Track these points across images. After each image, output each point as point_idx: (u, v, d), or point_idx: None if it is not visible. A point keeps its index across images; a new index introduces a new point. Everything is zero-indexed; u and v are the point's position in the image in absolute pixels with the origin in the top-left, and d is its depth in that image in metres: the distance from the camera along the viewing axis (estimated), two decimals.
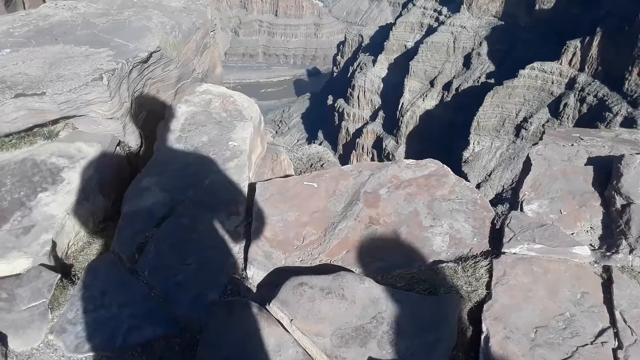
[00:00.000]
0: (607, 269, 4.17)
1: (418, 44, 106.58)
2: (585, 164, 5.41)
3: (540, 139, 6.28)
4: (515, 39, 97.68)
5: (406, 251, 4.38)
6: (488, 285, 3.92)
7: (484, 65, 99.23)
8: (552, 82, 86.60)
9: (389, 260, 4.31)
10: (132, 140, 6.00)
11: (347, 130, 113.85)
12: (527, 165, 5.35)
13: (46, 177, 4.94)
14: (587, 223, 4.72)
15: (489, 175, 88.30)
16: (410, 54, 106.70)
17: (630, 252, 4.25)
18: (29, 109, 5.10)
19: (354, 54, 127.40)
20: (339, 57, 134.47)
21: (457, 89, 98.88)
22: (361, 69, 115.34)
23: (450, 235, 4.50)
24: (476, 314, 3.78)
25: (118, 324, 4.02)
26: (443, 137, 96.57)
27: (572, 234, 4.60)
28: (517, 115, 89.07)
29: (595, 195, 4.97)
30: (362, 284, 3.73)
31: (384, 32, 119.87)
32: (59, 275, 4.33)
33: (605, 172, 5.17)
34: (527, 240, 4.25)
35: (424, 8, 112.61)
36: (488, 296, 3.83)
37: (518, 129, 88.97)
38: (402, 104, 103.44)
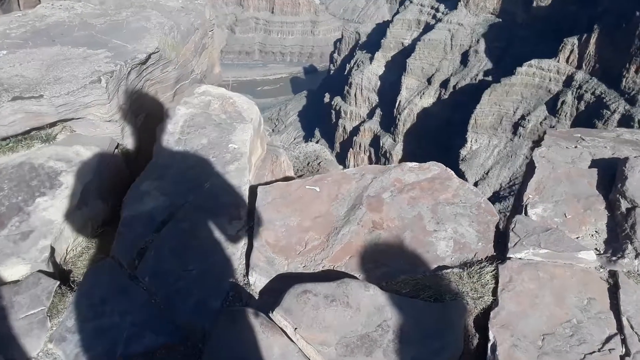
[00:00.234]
0: (613, 274, 4.13)
1: (415, 41, 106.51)
2: (589, 167, 5.37)
3: (542, 139, 6.24)
4: (513, 36, 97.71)
5: (410, 256, 4.32)
6: (494, 292, 3.87)
7: (482, 63, 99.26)
8: (550, 80, 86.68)
9: (393, 265, 4.26)
10: (131, 142, 5.93)
11: (344, 128, 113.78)
12: (530, 168, 5.30)
13: (44, 182, 4.87)
14: (592, 227, 4.68)
15: (487, 174, 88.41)
16: (407, 51, 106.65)
17: (636, 256, 4.20)
18: (26, 112, 5.02)
19: (350, 51, 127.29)
20: (335, 55, 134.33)
21: (454, 87, 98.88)
22: (358, 67, 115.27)
23: (454, 240, 4.45)
24: (482, 321, 3.74)
25: (118, 332, 3.95)
26: (440, 135, 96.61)
27: (577, 237, 4.56)
28: (514, 113, 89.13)
29: (600, 198, 4.92)
30: (366, 291, 3.67)
31: (381, 29, 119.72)
32: (58, 282, 4.27)
33: (610, 175, 5.13)
34: (533, 245, 4.20)
35: (421, 5, 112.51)
36: (494, 303, 3.78)
37: (516, 126, 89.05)
38: (400, 101, 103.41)
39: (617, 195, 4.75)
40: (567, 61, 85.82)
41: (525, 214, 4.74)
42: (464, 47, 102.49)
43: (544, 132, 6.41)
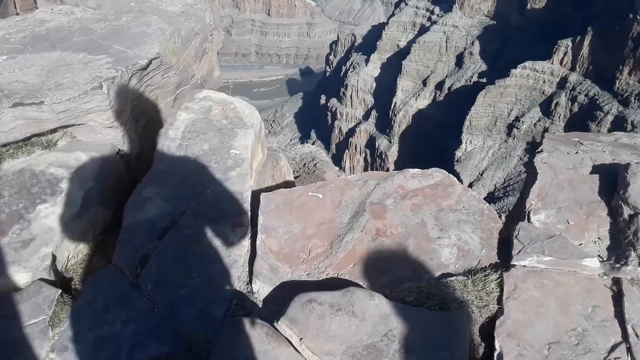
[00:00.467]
0: (616, 281, 4.14)
1: (410, 43, 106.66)
2: (591, 172, 5.38)
3: (539, 142, 6.25)
4: (507, 39, 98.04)
5: (414, 264, 4.32)
6: (499, 300, 3.87)
7: (476, 65, 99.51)
8: (544, 82, 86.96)
9: (397, 273, 4.25)
10: (132, 148, 5.90)
11: (340, 129, 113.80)
12: (532, 174, 5.30)
13: (45, 188, 4.83)
14: (595, 233, 4.68)
15: (481, 175, 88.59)
16: (402, 53, 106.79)
17: None
18: (26, 119, 4.98)
19: (346, 53, 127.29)
20: (331, 57, 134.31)
21: (449, 89, 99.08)
22: (354, 69, 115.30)
23: (458, 247, 4.44)
24: (488, 329, 3.73)
25: (121, 341, 3.92)
26: (436, 136, 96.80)
27: (580, 244, 4.56)
28: (509, 114, 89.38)
29: (602, 204, 4.93)
30: (372, 300, 3.66)
31: (376, 31, 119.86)
32: (60, 291, 4.23)
33: (611, 180, 5.14)
34: (537, 252, 4.20)
35: (417, 7, 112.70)
36: (500, 311, 3.78)
37: (510, 128, 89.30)
38: (395, 103, 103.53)
39: (620, 202, 4.76)
40: (561, 63, 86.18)
41: (528, 220, 4.74)
42: (458, 49, 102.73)
43: (542, 137, 6.42)
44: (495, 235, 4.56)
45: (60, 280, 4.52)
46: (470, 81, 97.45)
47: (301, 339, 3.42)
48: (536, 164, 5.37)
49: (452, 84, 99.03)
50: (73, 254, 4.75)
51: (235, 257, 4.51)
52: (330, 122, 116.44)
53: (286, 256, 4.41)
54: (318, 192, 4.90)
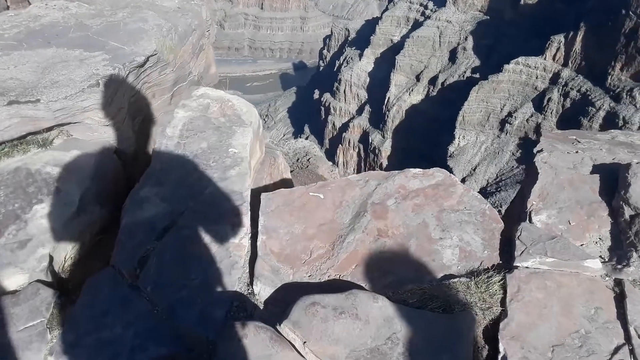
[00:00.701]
0: (618, 283, 4.14)
1: (404, 38, 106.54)
2: (591, 172, 5.37)
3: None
4: (501, 34, 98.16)
5: (416, 265, 4.29)
6: (502, 302, 3.85)
7: (470, 60, 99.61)
8: (537, 77, 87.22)
9: (399, 274, 4.22)
10: (129, 147, 5.82)
11: (334, 124, 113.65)
12: (533, 174, 5.29)
13: (41, 188, 4.75)
14: (596, 234, 4.68)
15: (474, 170, 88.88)
16: (396, 48, 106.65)
17: None
18: (22, 117, 4.89)
19: (340, 48, 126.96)
20: (325, 51, 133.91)
21: (442, 84, 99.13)
22: (347, 63, 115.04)
23: (460, 248, 4.42)
24: (491, 332, 3.72)
25: (121, 344, 3.87)
26: (429, 131, 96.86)
27: (581, 245, 4.56)
28: (501, 109, 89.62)
29: (603, 204, 4.93)
30: (375, 302, 3.63)
31: (370, 26, 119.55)
32: (58, 293, 4.17)
33: (612, 180, 5.14)
34: (539, 254, 4.19)
35: (410, 2, 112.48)
36: (503, 314, 3.76)
37: (502, 123, 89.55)
38: (389, 98, 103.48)
39: (621, 202, 4.75)
40: (553, 59, 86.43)
41: (530, 220, 4.73)
42: (452, 45, 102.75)
43: (539, 134, 6.41)
44: (497, 236, 4.54)
45: (58, 282, 4.45)
46: (463, 76, 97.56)
47: (304, 342, 3.38)
48: (537, 163, 5.35)
49: (446, 79, 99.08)
50: (70, 255, 4.68)
51: (235, 258, 4.47)
52: (323, 117, 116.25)
53: (287, 257, 4.37)
54: (319, 192, 4.86)
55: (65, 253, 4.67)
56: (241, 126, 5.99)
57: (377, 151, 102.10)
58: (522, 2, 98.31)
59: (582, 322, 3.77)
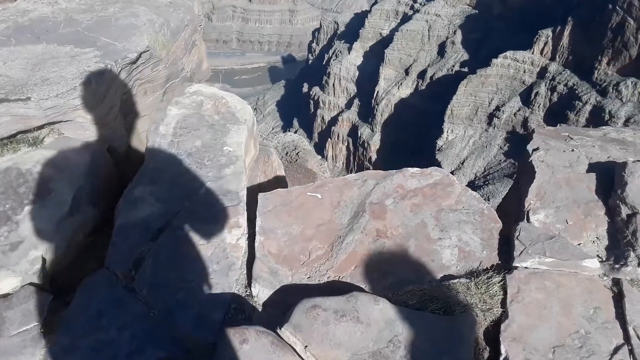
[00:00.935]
0: (616, 282, 4.15)
1: (393, 32, 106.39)
2: (587, 170, 5.38)
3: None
4: (489, 28, 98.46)
5: (416, 265, 4.27)
6: (503, 303, 3.85)
7: (458, 54, 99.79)
8: (524, 71, 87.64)
9: (399, 275, 4.19)
10: (121, 145, 5.72)
11: (323, 118, 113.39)
12: (530, 172, 5.28)
13: (33, 188, 4.64)
14: (593, 233, 4.69)
15: (462, 164, 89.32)
16: (385, 41, 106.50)
17: (639, 264, 4.23)
18: (12, 115, 4.76)
19: (329, 41, 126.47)
20: (314, 44, 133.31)
21: (431, 78, 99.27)
22: (336, 57, 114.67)
23: (459, 248, 4.40)
24: (492, 333, 3.71)
25: (117, 347, 3.81)
26: (418, 125, 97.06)
27: (578, 244, 4.56)
28: (489, 103, 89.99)
29: (600, 203, 4.93)
30: (376, 305, 3.60)
31: (359, 19, 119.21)
32: (51, 296, 4.09)
33: (608, 179, 5.14)
34: (538, 254, 4.18)
35: None
36: (504, 315, 3.75)
37: (490, 117, 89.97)
38: (378, 92, 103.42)
39: (617, 201, 4.76)
40: (541, 53, 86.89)
41: (528, 220, 4.72)
42: (441, 38, 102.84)
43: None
44: (495, 236, 4.53)
45: (51, 284, 4.36)
46: (452, 70, 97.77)
47: (306, 346, 3.35)
48: (533, 162, 5.34)
49: (434, 73, 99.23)
50: (63, 257, 4.59)
51: (232, 259, 4.41)
52: (312, 110, 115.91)
53: (286, 258, 4.32)
54: (316, 192, 4.81)
55: (58, 254, 4.57)
56: (235, 124, 5.91)
57: (366, 145, 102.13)
58: None
59: (581, 322, 3.78)
